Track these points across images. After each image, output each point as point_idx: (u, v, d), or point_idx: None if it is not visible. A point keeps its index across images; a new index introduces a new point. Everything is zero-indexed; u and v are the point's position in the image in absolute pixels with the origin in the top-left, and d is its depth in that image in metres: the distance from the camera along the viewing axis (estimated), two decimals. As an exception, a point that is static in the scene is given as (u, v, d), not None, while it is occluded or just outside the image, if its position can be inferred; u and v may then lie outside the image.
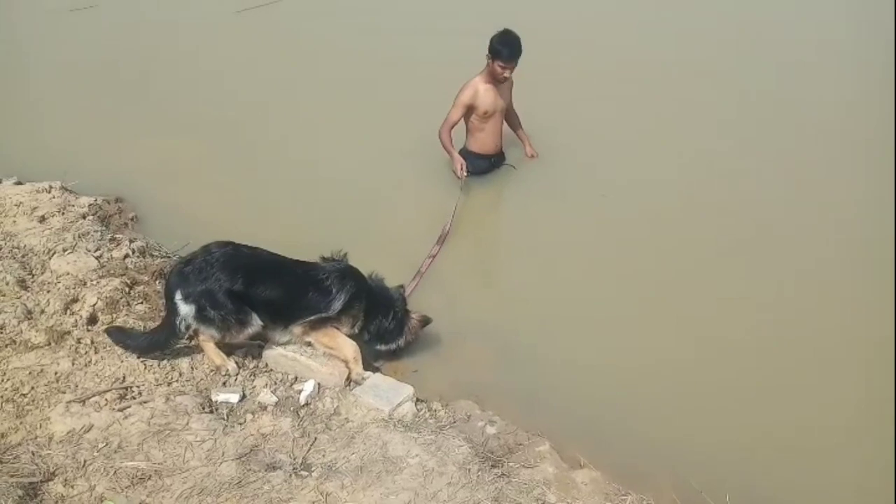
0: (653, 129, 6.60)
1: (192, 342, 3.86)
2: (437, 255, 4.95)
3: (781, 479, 3.48)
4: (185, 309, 3.67)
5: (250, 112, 6.77)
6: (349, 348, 3.86)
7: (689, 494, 3.29)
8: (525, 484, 3.20)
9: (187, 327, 3.71)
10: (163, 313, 4.12)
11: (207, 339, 3.77)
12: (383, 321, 4.03)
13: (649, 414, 3.86)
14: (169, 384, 3.64)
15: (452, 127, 5.69)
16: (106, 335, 3.77)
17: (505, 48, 5.38)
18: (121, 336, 3.76)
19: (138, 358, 3.73)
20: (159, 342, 3.76)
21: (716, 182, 5.88)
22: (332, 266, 3.91)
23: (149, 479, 3.03)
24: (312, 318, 3.81)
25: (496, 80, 5.56)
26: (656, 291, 4.75)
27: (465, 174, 5.62)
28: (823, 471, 3.55)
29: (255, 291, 3.72)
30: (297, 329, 3.83)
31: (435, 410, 3.73)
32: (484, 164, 5.89)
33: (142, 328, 3.94)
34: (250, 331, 3.78)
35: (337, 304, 3.83)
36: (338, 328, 3.89)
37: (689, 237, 5.23)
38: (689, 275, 4.89)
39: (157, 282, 4.43)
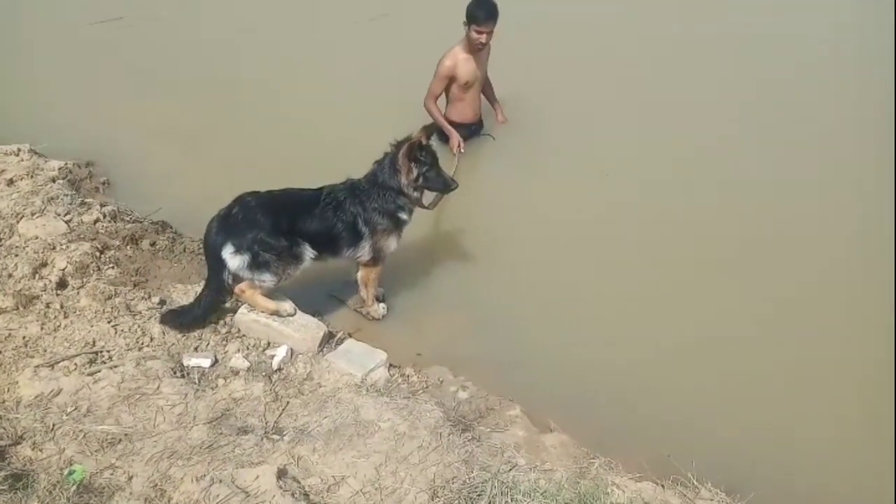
0: (642, 107, 6.60)
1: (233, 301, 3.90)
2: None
3: (746, 450, 3.52)
4: (237, 261, 3.70)
5: (227, 79, 6.67)
6: (371, 293, 4.20)
7: (657, 458, 3.32)
8: (495, 447, 3.24)
9: (236, 280, 3.77)
10: (139, 277, 4.14)
11: (256, 290, 3.78)
12: (393, 201, 4.03)
13: (620, 383, 3.89)
14: (140, 349, 3.60)
15: (436, 98, 5.69)
16: (161, 324, 3.74)
17: (480, 11, 5.34)
18: (174, 317, 3.75)
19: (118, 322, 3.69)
20: (214, 306, 3.82)
21: (701, 165, 5.85)
22: (340, 190, 3.99)
23: (119, 442, 3.01)
24: (359, 255, 4.04)
25: (475, 48, 5.52)
26: (631, 264, 4.77)
27: (462, 151, 5.65)
28: (793, 447, 3.58)
29: (299, 228, 3.82)
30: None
31: (408, 376, 3.76)
32: (464, 133, 5.87)
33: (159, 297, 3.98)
34: (304, 263, 3.88)
35: (366, 234, 3.98)
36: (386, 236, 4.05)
37: (670, 212, 5.25)
38: (668, 248, 4.90)
39: (129, 246, 4.39)
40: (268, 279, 3.78)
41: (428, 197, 4.35)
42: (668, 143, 6.10)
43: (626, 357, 4.05)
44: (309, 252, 3.85)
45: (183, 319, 3.74)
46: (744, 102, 6.82)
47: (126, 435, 3.05)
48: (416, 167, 3.99)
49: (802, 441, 3.60)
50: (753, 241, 5.03)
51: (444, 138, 5.76)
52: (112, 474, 2.85)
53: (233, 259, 3.69)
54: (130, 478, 2.85)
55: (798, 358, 4.09)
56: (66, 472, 2.80)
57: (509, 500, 2.87)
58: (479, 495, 2.90)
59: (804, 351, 4.12)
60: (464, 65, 5.57)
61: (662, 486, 3.14)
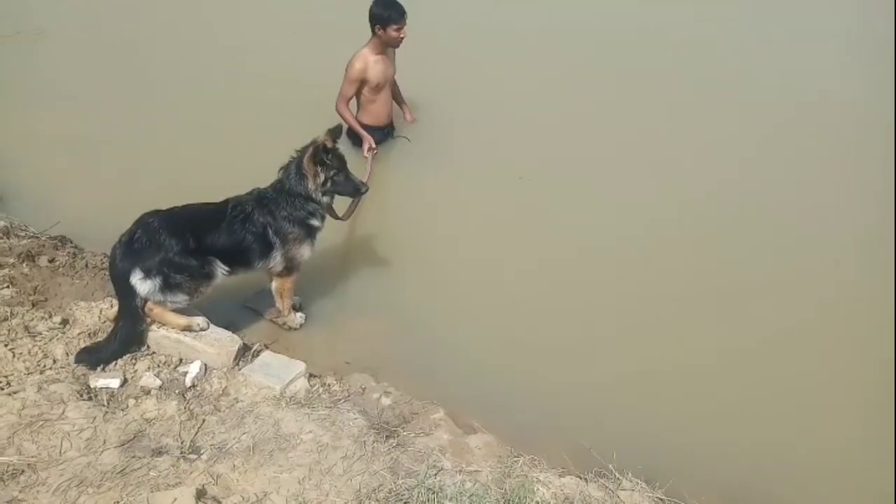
0: (556, 105, 6.62)
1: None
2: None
3: (665, 439, 3.62)
4: (148, 286, 3.54)
5: (124, 85, 6.39)
6: (287, 303, 4.11)
7: (579, 451, 3.40)
8: (420, 452, 3.23)
9: (147, 304, 3.60)
10: (38, 296, 3.91)
11: (166, 310, 3.63)
12: (303, 208, 3.93)
13: (541, 379, 3.94)
14: (41, 372, 3.40)
15: (348, 102, 5.62)
16: (77, 363, 3.49)
17: (394, 11, 5.35)
18: (90, 355, 3.51)
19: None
20: (132, 336, 3.60)
21: (617, 163, 5.91)
22: (247, 201, 3.88)
23: (21, 473, 2.83)
24: (272, 265, 3.95)
25: (391, 47, 5.54)
26: (548, 261, 4.82)
27: (374, 152, 5.58)
28: (711, 434, 3.70)
29: (207, 244, 3.67)
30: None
31: (329, 385, 3.70)
32: (378, 136, 5.82)
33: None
34: (217, 280, 3.75)
35: (277, 242, 3.89)
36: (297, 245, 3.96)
37: (588, 211, 5.34)
38: (586, 244, 4.97)
39: (25, 264, 4.14)
40: (181, 300, 3.65)
41: (342, 207, 4.28)
42: (584, 143, 6.15)
43: (544, 352, 4.10)
44: (221, 268, 3.72)
45: (101, 356, 3.52)
46: (650, 96, 6.92)
47: (29, 465, 2.88)
48: (323, 171, 3.91)
49: (718, 428, 3.74)
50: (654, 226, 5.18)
51: (358, 142, 5.71)
52: (15, 509, 2.69)
53: (143, 285, 3.54)
54: (36, 511, 2.69)
55: (706, 346, 4.24)
56: (-38, 510, 2.62)
57: (436, 505, 2.87)
58: (405, 503, 2.88)
59: (714, 339, 4.29)
60: (374, 66, 5.54)
61: (585, 479, 3.21)
